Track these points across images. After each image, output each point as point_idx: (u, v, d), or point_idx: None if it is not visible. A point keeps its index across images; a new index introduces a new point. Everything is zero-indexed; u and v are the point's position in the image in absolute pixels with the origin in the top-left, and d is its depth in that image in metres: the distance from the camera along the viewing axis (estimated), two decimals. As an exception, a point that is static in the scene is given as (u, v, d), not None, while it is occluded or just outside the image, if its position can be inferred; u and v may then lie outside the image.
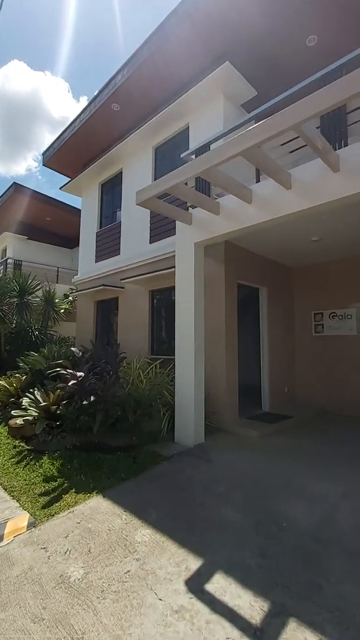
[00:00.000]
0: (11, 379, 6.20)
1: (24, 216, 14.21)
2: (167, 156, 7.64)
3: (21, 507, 3.04)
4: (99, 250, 9.43)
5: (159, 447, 4.49)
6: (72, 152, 9.46)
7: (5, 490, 3.40)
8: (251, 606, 1.94)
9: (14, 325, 9.26)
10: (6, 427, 5.20)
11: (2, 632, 1.80)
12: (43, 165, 10.23)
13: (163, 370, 5.75)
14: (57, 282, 14.04)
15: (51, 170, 10.46)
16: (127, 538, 2.57)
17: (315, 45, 5.71)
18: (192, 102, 6.66)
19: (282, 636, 1.75)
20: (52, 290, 10.39)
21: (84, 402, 4.37)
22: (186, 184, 4.42)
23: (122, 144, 8.13)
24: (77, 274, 10.36)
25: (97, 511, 2.96)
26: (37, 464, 3.94)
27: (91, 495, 3.24)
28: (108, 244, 9.09)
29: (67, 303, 12.37)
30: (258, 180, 4.39)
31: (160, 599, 1.99)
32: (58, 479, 3.56)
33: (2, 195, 13.33)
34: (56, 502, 3.10)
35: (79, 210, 10.97)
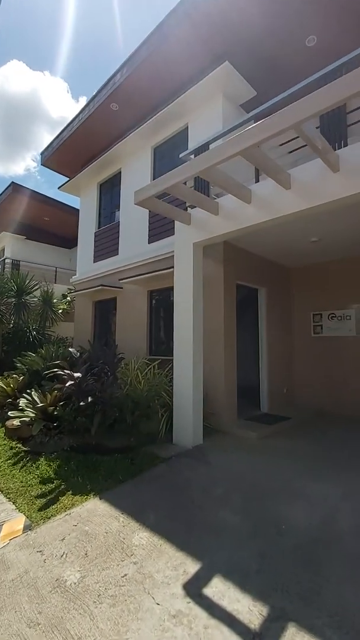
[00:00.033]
0: (8, 379, 6.16)
1: (22, 216, 14.15)
2: (166, 156, 7.62)
3: (17, 510, 3.00)
4: (98, 250, 9.40)
5: (157, 448, 4.46)
6: (71, 152, 9.43)
7: (1, 492, 3.36)
8: (250, 610, 1.91)
9: (11, 325, 9.22)
10: (3, 429, 5.16)
11: (-4, 638, 1.77)
12: (41, 164, 10.20)
13: (161, 371, 5.72)
14: (55, 282, 14.00)
15: (50, 170, 10.43)
16: (125, 541, 2.54)
17: (315, 46, 5.71)
18: (191, 102, 6.65)
19: (281, 641, 1.73)
20: (50, 291, 10.35)
21: (82, 403, 4.33)
22: (185, 183, 4.40)
23: (120, 143, 8.11)
24: (75, 274, 10.33)
25: (94, 513, 2.93)
26: (33, 465, 3.90)
27: (88, 497, 3.21)
28: (106, 244, 9.06)
29: (65, 303, 12.32)
30: (257, 180, 4.37)
31: (158, 604, 1.96)
32: (55, 481, 3.53)
33: (0, 194, 13.27)
34: (53, 505, 3.07)
35: (78, 210, 10.93)
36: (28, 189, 12.81)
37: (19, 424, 4.57)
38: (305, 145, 3.80)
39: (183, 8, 5.56)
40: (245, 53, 5.91)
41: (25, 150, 78.56)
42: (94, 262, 9.43)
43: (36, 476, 3.63)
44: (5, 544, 2.53)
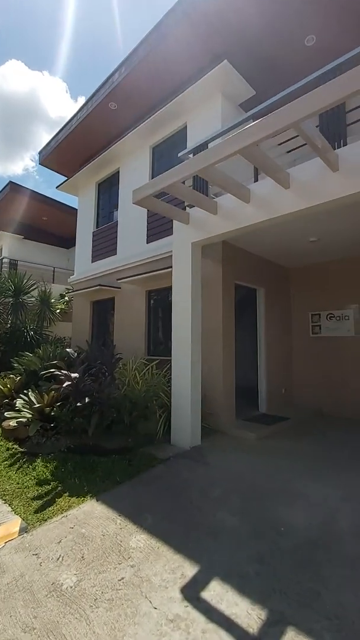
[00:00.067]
0: (5, 379, 6.11)
1: (20, 215, 14.10)
2: (165, 155, 7.59)
3: (13, 512, 2.97)
4: (96, 250, 9.36)
5: (154, 449, 4.43)
6: (69, 151, 9.39)
7: (-3, 493, 3.32)
8: (248, 614, 1.89)
9: (8, 325, 9.17)
10: None
11: (-10, 644, 1.74)
12: (39, 164, 10.15)
13: (159, 372, 5.69)
14: (53, 282, 13.95)
15: (48, 169, 10.39)
16: (122, 543, 2.51)
17: (314, 45, 5.70)
18: (190, 101, 6.62)
19: (280, 646, 1.70)
20: (48, 290, 10.31)
21: (79, 404, 4.30)
22: (184, 183, 4.38)
23: (119, 142, 8.07)
24: (73, 274, 10.28)
25: (91, 515, 2.90)
26: (30, 466, 3.86)
27: (85, 499, 3.18)
28: (105, 244, 9.02)
29: (63, 303, 12.28)
30: (256, 180, 4.35)
31: (155, 608, 1.93)
32: (51, 483, 3.49)
33: (-2, 194, 13.22)
34: (49, 507, 3.03)
35: (76, 210, 10.89)
36: (26, 188, 12.77)
37: (16, 424, 4.53)
38: (304, 145, 3.80)
39: (182, 8, 5.53)
40: (244, 52, 5.89)
41: (23, 150, 78.38)
42: (92, 261, 9.39)
43: (33, 477, 3.60)
44: (0, 547, 2.49)
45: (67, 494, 3.27)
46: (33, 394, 4.92)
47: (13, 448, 4.42)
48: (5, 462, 4.04)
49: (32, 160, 77.78)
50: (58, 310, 10.99)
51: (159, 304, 7.48)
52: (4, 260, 14.04)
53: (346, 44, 4.82)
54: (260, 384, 6.56)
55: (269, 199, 3.95)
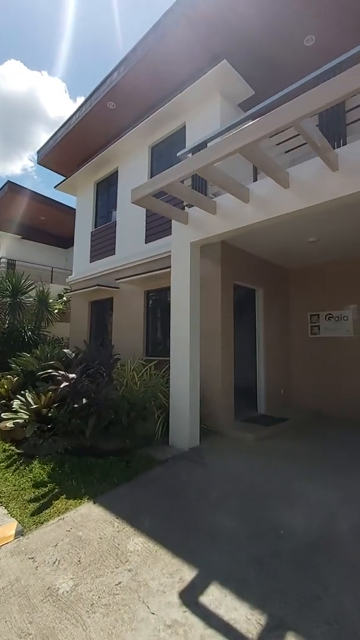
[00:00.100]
0: (2, 380, 6.07)
1: (18, 215, 14.04)
2: (164, 155, 7.56)
3: (9, 514, 2.93)
4: (94, 250, 9.32)
5: (153, 450, 4.39)
6: (68, 151, 9.35)
7: (-6, 496, 3.28)
8: (247, 620, 1.86)
9: (6, 325, 9.13)
10: (-4, 430, 5.07)
11: (-16, 651, 1.70)
12: (38, 163, 10.10)
13: (158, 372, 5.66)
14: (51, 282, 13.89)
15: (47, 169, 10.34)
16: (119, 547, 2.48)
17: (313, 45, 5.68)
18: (189, 101, 6.60)
19: (280, 652, 1.68)
20: (46, 290, 10.26)
21: (76, 405, 4.26)
22: (183, 182, 4.35)
23: (118, 142, 8.04)
24: (71, 274, 10.24)
25: (88, 518, 2.86)
26: (27, 468, 3.82)
27: (82, 501, 3.14)
28: (103, 244, 8.99)
29: (61, 303, 12.24)
30: (255, 179, 4.33)
31: (153, 613, 1.90)
32: (48, 485, 3.45)
33: (-4, 193, 13.16)
34: (46, 509, 3.00)
35: (74, 210, 10.85)
36: (24, 188, 12.72)
37: (13, 425, 4.48)
38: (303, 145, 3.77)
39: (181, 8, 5.52)
40: (243, 52, 5.87)
41: (22, 150, 78.23)
42: (91, 261, 9.35)
43: (29, 479, 3.55)
44: (-5, 551, 2.46)
45: (64, 496, 3.23)
46: (30, 395, 4.88)
47: (10, 449, 4.38)
48: (1, 464, 4.00)
49: (30, 160, 77.67)
50: (56, 311, 10.95)
51: (158, 304, 7.44)
52: (1, 260, 13.98)
53: (346, 44, 4.79)
54: (259, 385, 6.54)
55: (268, 198, 3.92)
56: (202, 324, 5.07)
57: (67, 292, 11.88)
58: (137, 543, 2.52)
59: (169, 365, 4.98)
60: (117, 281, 7.65)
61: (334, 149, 3.41)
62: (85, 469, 3.77)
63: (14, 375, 6.16)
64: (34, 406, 4.58)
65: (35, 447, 4.26)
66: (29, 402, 4.72)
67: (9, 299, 9.32)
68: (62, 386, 4.46)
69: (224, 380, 5.41)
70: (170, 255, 5.33)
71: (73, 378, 4.59)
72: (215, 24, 5.54)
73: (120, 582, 2.13)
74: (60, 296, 12.95)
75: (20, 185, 12.63)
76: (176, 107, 6.78)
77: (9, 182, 12.38)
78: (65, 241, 15.86)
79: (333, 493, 3.29)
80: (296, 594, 2.03)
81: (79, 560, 2.33)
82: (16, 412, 4.65)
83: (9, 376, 6.17)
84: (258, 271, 6.59)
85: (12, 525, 2.74)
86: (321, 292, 7.03)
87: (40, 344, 8.24)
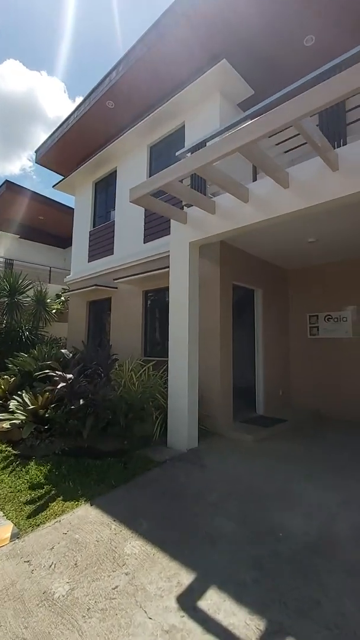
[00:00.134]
0: (-1, 380, 6.02)
1: (16, 215, 13.96)
2: (163, 155, 7.53)
3: (5, 517, 2.89)
4: (92, 250, 9.28)
5: (151, 452, 4.36)
6: (66, 150, 9.31)
7: (-11, 497, 3.24)
8: (246, 625, 1.82)
9: (3, 325, 9.07)
10: (-7, 431, 5.02)
11: (-23, 657, 1.67)
12: (36, 162, 10.05)
13: (156, 373, 5.63)
14: (49, 282, 13.84)
15: (45, 169, 10.29)
16: (116, 550, 2.44)
17: (313, 45, 5.67)
18: (188, 101, 6.58)
19: (279, 659, 1.64)
20: (44, 290, 10.21)
21: (73, 406, 4.22)
22: (182, 181, 4.32)
23: (116, 141, 8.01)
24: (69, 274, 10.19)
25: (85, 520, 2.82)
26: (23, 469, 3.78)
27: (79, 503, 3.10)
28: (101, 244, 8.95)
29: (59, 303, 12.18)
30: (255, 179, 4.30)
31: (150, 618, 1.87)
32: (45, 486, 3.41)
33: (-5, 193, 13.08)
34: (42, 511, 2.96)
35: (73, 210, 10.80)
36: (22, 187, 12.64)
37: (9, 426, 4.44)
38: (302, 145, 3.75)
39: (180, 7, 5.49)
40: (243, 52, 5.85)
41: (21, 149, 77.97)
42: (89, 261, 9.31)
43: (26, 481, 3.51)
44: (-10, 554, 2.42)
45: (60, 498, 3.19)
46: (27, 395, 4.84)
47: (6, 450, 4.33)
48: (-3, 465, 3.96)
49: (29, 160, 77.47)
50: (54, 311, 10.90)
51: (156, 305, 7.41)
52: (-1, 259, 13.92)
53: (345, 44, 4.79)
54: (257, 386, 6.51)
55: (268, 198, 3.90)
56: (200, 324, 5.04)
57: (65, 292, 11.83)
58: (134, 546, 2.48)
59: (168, 366, 4.95)
60: (116, 281, 7.61)
61: (334, 148, 3.39)
62: (83, 471, 3.74)
63: (11, 376, 6.11)
64: (31, 407, 4.54)
65: (32, 448, 4.22)
66: (26, 403, 4.68)
67: (6, 299, 9.27)
68: (59, 387, 4.42)
69: (223, 381, 5.39)
70: (168, 255, 5.30)
71: (70, 378, 4.55)
72: (215, 23, 5.52)
73: (117, 586, 2.09)
74: (58, 296, 12.89)
75: (18, 185, 12.56)
76: (175, 107, 6.75)
77: (7, 181, 12.32)
78: (64, 241, 15.80)
79: (333, 494, 3.27)
80: (296, 598, 2.00)
81: (76, 564, 2.30)
82: (13, 412, 4.61)
83: (6, 376, 6.13)
84: (257, 271, 6.57)
85: (7, 528, 2.70)
86: (320, 293, 7.02)
87: (37, 344, 8.20)
